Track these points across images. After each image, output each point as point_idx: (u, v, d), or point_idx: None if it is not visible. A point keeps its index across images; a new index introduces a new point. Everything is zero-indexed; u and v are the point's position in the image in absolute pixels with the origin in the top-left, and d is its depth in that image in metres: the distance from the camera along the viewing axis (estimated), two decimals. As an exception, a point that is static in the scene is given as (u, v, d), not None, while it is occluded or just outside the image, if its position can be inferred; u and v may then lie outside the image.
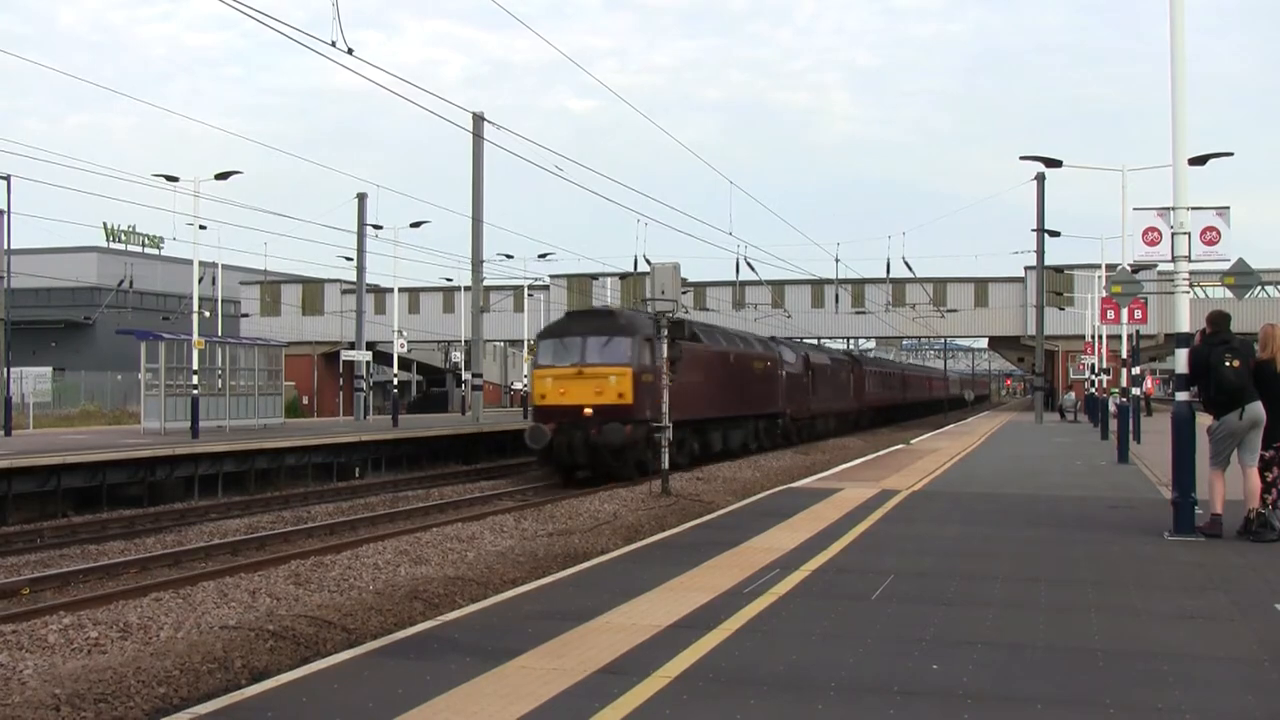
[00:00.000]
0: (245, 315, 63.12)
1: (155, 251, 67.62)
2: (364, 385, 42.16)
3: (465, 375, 50.07)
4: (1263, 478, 10.52)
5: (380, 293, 55.17)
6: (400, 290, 42.10)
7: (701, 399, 25.50)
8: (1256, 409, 10.36)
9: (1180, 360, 10.73)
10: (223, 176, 28.35)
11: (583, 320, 24.28)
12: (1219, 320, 10.71)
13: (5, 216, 32.13)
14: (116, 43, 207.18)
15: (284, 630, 8.73)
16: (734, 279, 47.03)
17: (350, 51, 15.43)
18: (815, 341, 56.44)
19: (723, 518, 13.07)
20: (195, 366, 27.41)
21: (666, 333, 19.16)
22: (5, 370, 31.57)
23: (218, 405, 29.54)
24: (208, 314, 38.01)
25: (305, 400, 58.33)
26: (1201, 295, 42.12)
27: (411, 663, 6.27)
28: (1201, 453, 10.68)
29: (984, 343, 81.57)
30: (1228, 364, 10.31)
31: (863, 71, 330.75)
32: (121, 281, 62.58)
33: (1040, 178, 42.22)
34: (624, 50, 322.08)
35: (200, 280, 29.38)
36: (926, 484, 16.73)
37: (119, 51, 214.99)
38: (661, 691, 5.58)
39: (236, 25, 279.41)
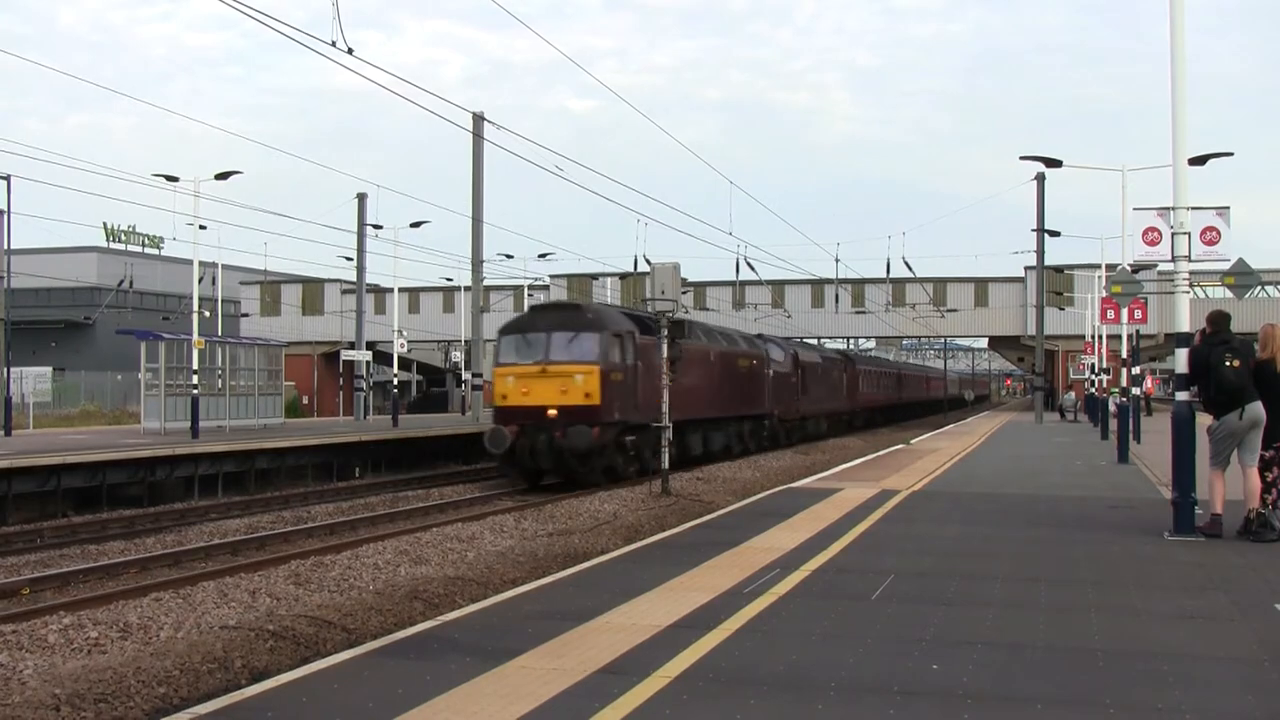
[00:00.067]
0: (245, 315, 63.13)
1: (155, 251, 67.61)
2: (364, 385, 42.16)
3: (465, 375, 50.02)
4: (1263, 478, 10.52)
5: (380, 293, 55.18)
6: (400, 290, 42.10)
7: (678, 400, 23.24)
8: (1256, 409, 10.36)
9: (1180, 360, 10.74)
10: (223, 176, 28.35)
11: (547, 314, 22.74)
12: (1219, 320, 10.71)
13: (5, 216, 32.13)
14: (116, 43, 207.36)
15: (284, 630, 8.74)
16: (734, 279, 47.07)
17: (350, 51, 15.43)
18: (815, 341, 56.46)
19: (723, 518, 13.07)
20: (195, 366, 27.41)
21: (667, 332, 19.15)
22: (5, 370, 31.57)
23: (218, 405, 29.53)
24: (208, 314, 37.99)
25: (305, 400, 58.34)
26: (1201, 295, 42.14)
27: (411, 663, 6.27)
28: (1201, 453, 10.68)
29: (984, 343, 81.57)
30: (1228, 364, 10.32)
31: (863, 71, 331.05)
32: (121, 281, 62.55)
33: (1040, 178, 42.22)
34: (624, 50, 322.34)
35: (200, 280, 29.37)
36: (926, 484, 16.73)
37: (119, 51, 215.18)
38: (661, 691, 5.58)
39: (236, 25, 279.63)
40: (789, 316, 57.45)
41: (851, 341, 73.01)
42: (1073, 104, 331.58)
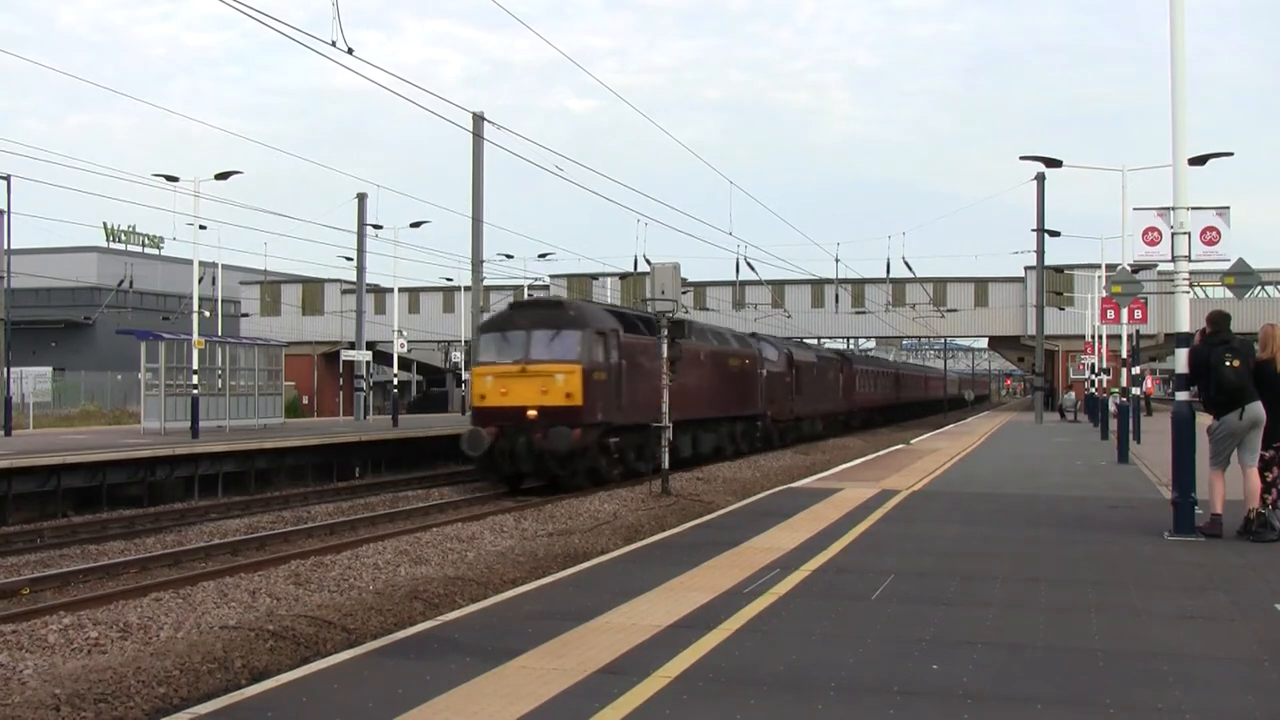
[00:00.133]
0: (245, 315, 63.13)
1: (155, 251, 67.60)
2: (364, 385, 42.17)
3: (465, 375, 50.04)
4: (1263, 478, 10.53)
5: (380, 293, 55.19)
6: (400, 290, 42.11)
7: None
8: (1256, 409, 10.36)
9: (1180, 360, 10.74)
10: (223, 176, 28.36)
11: (528, 312, 21.73)
12: (1219, 320, 10.72)
13: (5, 216, 32.15)
14: (116, 43, 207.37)
15: (284, 630, 8.74)
16: (734, 279, 47.07)
17: (350, 51, 15.43)
18: (815, 341, 56.46)
19: (723, 518, 13.07)
20: (195, 366, 27.42)
21: (667, 332, 19.14)
22: (5, 370, 31.58)
23: (218, 405, 29.54)
24: (208, 314, 37.99)
25: (305, 400, 58.34)
26: (1201, 295, 42.15)
27: (411, 663, 6.28)
28: (1201, 453, 10.69)
29: (984, 343, 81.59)
30: (1228, 364, 10.32)
31: (863, 71, 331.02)
32: (121, 281, 62.54)
33: (1040, 178, 42.24)
34: (624, 50, 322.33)
35: (200, 280, 29.38)
36: (926, 484, 16.73)
37: (119, 51, 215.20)
38: (661, 691, 5.58)
39: (236, 25, 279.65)
40: (789, 316, 57.46)
41: (851, 341, 73.04)
42: (1073, 104, 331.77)
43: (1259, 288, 50.48)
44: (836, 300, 56.85)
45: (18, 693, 7.13)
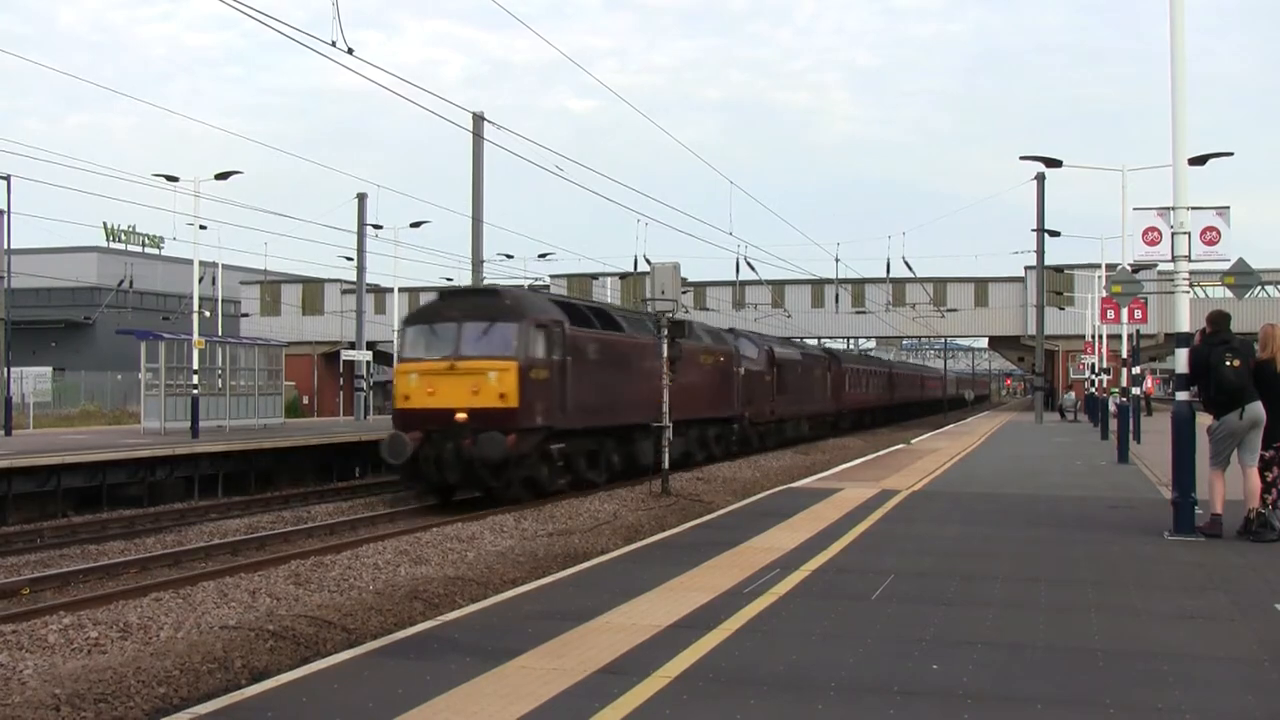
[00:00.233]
0: (245, 315, 63.11)
1: (155, 251, 67.55)
2: (364, 385, 42.16)
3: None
4: (1263, 478, 10.53)
5: (380, 292, 55.17)
6: (400, 290, 42.11)
7: (617, 401, 20.96)
8: (1256, 409, 10.36)
9: (1180, 360, 10.74)
10: (223, 176, 28.35)
11: (459, 301, 19.34)
12: (1219, 320, 10.72)
13: (5, 216, 32.14)
14: (116, 43, 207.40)
15: (284, 630, 8.73)
16: (734, 279, 47.07)
17: (350, 51, 15.42)
18: (815, 341, 56.43)
19: (723, 518, 13.07)
20: (195, 366, 27.40)
21: (667, 332, 19.12)
22: (5, 370, 31.57)
23: (218, 405, 29.52)
24: (208, 314, 37.97)
25: (305, 400, 58.32)
26: (1201, 295, 42.15)
27: (411, 663, 6.27)
28: (1201, 453, 10.69)
29: (984, 342, 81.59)
30: (1228, 364, 10.32)
31: (863, 71, 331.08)
32: (121, 281, 62.51)
33: (1040, 178, 42.23)
34: (624, 50, 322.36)
35: (200, 280, 29.36)
36: (926, 484, 16.73)
37: (119, 51, 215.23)
38: (661, 691, 5.58)
39: (236, 25, 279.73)
40: (789, 316, 57.47)
41: (851, 341, 73.04)
42: (1073, 104, 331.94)
43: (1259, 288, 50.47)
44: (836, 300, 56.83)
45: (18, 693, 7.13)
